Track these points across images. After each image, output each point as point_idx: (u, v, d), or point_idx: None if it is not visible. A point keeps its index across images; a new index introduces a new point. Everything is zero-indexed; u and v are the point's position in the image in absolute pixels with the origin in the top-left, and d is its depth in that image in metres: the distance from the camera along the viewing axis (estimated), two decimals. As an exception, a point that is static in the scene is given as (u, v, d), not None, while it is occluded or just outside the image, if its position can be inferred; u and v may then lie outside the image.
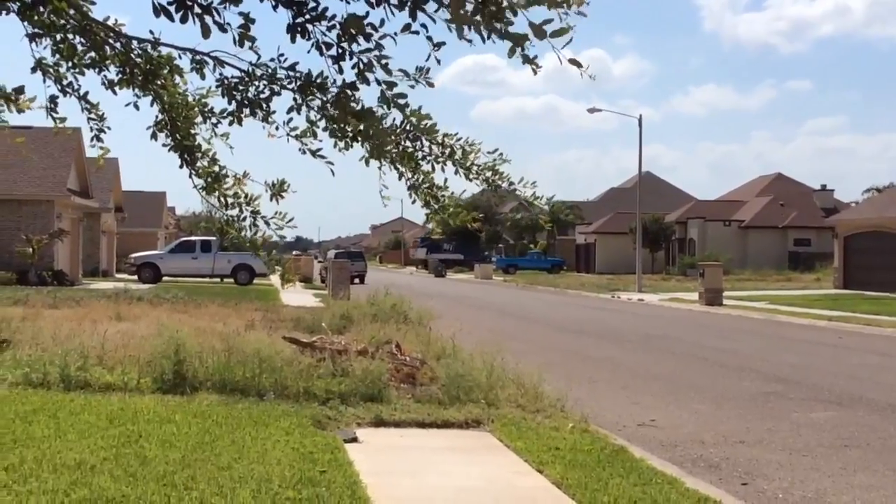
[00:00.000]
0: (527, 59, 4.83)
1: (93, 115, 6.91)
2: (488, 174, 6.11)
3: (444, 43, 5.02)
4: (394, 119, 5.67)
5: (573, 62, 4.69)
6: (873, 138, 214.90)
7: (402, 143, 5.82)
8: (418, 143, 5.88)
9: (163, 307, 24.32)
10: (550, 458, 9.07)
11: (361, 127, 5.63)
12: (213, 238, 54.73)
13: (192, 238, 57.44)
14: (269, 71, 5.83)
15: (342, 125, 5.65)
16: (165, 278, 49.07)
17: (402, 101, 5.32)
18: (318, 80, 5.54)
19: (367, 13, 4.99)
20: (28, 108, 6.78)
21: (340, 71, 5.26)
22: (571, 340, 24.05)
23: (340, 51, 5.15)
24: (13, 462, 7.83)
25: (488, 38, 4.70)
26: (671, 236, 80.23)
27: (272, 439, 9.17)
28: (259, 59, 5.77)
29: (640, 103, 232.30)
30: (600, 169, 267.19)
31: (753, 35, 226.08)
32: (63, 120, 6.90)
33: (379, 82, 5.29)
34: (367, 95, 5.55)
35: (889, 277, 45.86)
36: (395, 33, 5.05)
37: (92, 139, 7.05)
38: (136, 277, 48.84)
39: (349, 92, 5.37)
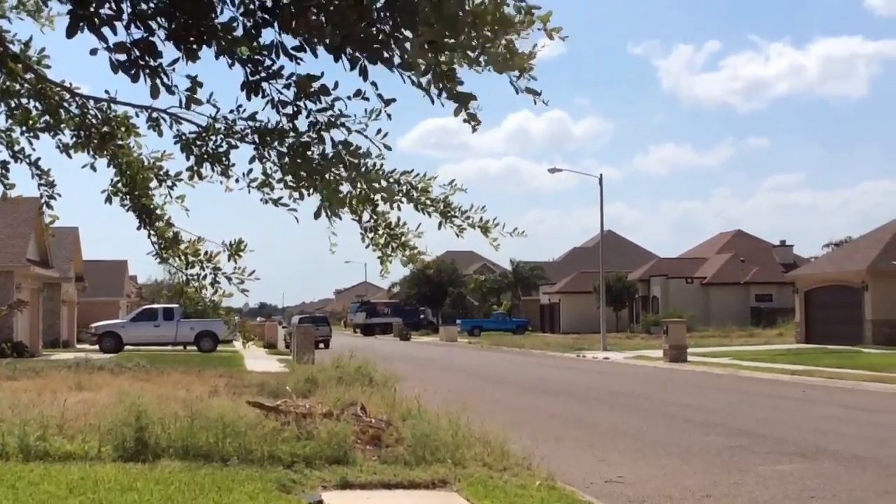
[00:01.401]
0: (470, 117, 4.89)
1: (43, 182, 6.89)
2: (441, 206, 6.12)
3: (394, 99, 5.08)
4: (348, 162, 5.69)
5: (530, 91, 4.77)
6: (832, 193, 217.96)
7: (359, 186, 5.84)
8: (375, 184, 5.90)
9: (125, 376, 24.04)
10: (518, 515, 9.01)
11: (317, 177, 5.65)
12: (176, 305, 54.33)
13: (154, 306, 56.99)
14: (228, 123, 5.85)
15: (298, 174, 5.67)
16: (127, 347, 48.57)
17: (358, 155, 5.36)
18: (278, 129, 5.56)
19: (322, 73, 5.03)
20: None
21: (294, 129, 5.30)
22: (538, 400, 23.99)
23: (296, 108, 5.18)
24: (-30, 534, 7.68)
25: (439, 96, 4.76)
26: (634, 294, 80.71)
27: (236, 504, 9.05)
28: (218, 111, 5.79)
29: (602, 163, 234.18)
30: (563, 229, 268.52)
31: (711, 95, 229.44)
32: (12, 186, 6.86)
33: (334, 143, 5.34)
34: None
35: (850, 331, 46.33)
36: (349, 97, 5.11)
37: (41, 206, 7.01)
38: (97, 347, 48.28)
39: (308, 140, 5.40)
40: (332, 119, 5.24)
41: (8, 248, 42.25)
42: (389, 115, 5.12)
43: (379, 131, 5.45)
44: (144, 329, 50.32)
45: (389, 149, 5.51)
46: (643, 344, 54.62)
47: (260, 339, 60.01)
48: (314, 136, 5.30)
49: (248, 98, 5.01)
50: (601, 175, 54.71)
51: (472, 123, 4.92)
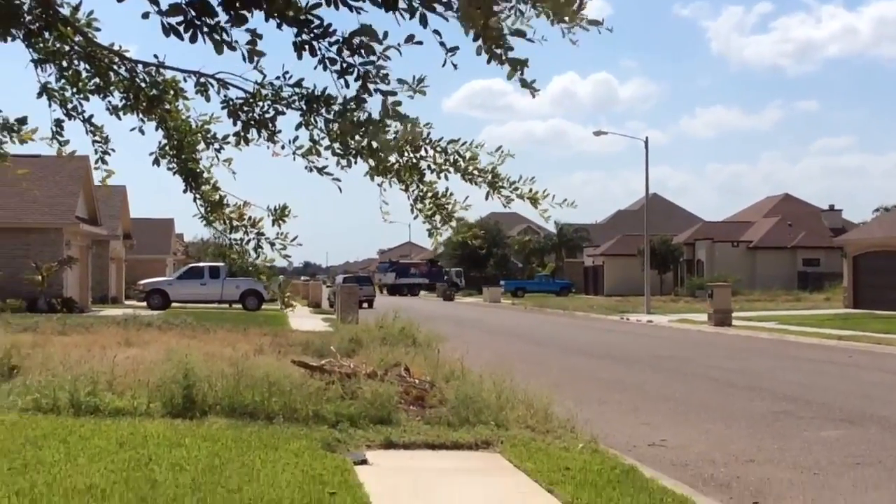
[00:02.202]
0: (525, 84, 4.86)
1: (97, 138, 6.94)
2: (489, 177, 6.10)
3: (457, 48, 5.04)
4: (396, 131, 5.69)
5: (593, 22, 4.69)
6: (883, 157, 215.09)
7: (406, 153, 5.84)
8: (421, 152, 5.89)
9: (172, 333, 24.32)
10: (560, 478, 9.05)
11: (365, 142, 5.65)
12: (222, 264, 54.75)
13: (201, 264, 57.56)
14: (275, 90, 5.86)
15: (345, 141, 5.68)
16: (174, 304, 49.12)
17: (399, 109, 5.35)
18: (324, 96, 5.57)
19: (371, 26, 5.00)
20: (30, 139, 6.80)
21: (347, 85, 5.28)
22: (581, 362, 24.01)
23: (345, 65, 5.17)
24: (23, 487, 7.84)
25: (489, 61, 4.74)
26: (679, 258, 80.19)
27: (282, 462, 9.17)
28: (265, 77, 5.81)
29: (648, 126, 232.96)
30: (607, 191, 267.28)
31: (761, 57, 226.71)
32: (66, 142, 6.93)
33: (381, 92, 5.32)
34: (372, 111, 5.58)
35: (899, 296, 45.73)
36: (399, 44, 5.07)
37: (96, 161, 7.07)
38: (145, 304, 48.87)
39: (354, 106, 5.40)
40: (379, 72, 5.20)
41: (58, 206, 42.77)
42: (455, 65, 5.06)
43: (416, 79, 5.42)
44: (191, 287, 50.83)
45: (424, 93, 5.43)
46: (687, 307, 54.37)
47: (304, 299, 60.43)
48: (361, 93, 5.26)
49: (299, 57, 5.01)
50: (647, 138, 54.42)
51: (531, 90, 4.89)
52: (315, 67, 5.16)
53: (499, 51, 4.65)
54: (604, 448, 10.77)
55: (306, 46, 4.99)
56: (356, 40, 5.05)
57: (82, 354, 15.82)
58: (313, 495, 7.86)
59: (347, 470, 9.08)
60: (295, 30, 4.92)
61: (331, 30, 4.97)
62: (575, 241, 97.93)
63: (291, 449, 9.82)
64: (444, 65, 5.03)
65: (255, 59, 5.32)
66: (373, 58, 5.08)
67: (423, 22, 4.65)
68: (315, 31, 4.94)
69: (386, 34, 5.02)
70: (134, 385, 12.96)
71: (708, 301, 40.66)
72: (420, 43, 4.88)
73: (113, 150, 6.99)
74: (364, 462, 9.69)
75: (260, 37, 5.13)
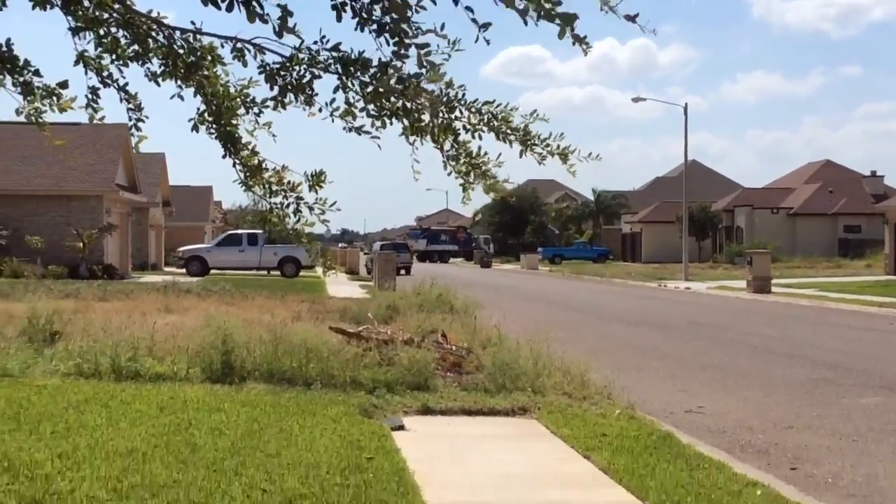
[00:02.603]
0: (577, 39, 4.82)
1: (131, 106, 6.99)
2: (521, 135, 6.11)
3: (489, 24, 5.01)
4: (431, 91, 5.70)
5: (629, 18, 4.69)
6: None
7: (441, 114, 5.85)
8: (455, 112, 5.90)
9: (210, 299, 24.53)
10: (597, 444, 9.06)
11: (400, 103, 5.66)
12: (260, 231, 55.13)
13: (239, 231, 58.01)
14: (312, 54, 5.88)
15: (380, 103, 5.69)
16: (213, 271, 49.50)
17: (431, 59, 5.34)
18: (360, 59, 5.59)
19: None
20: (70, 107, 6.84)
21: (388, 42, 5.27)
22: (618, 329, 23.97)
23: (381, 23, 5.17)
24: (66, 449, 7.96)
25: (538, 20, 4.70)
26: (718, 224, 79.66)
27: (319, 427, 9.24)
28: (302, 42, 5.82)
29: (687, 91, 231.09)
30: (646, 158, 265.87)
31: (803, 21, 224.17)
32: (101, 109, 6.97)
33: (417, 46, 5.32)
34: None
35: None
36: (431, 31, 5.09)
37: (130, 128, 7.12)
38: (184, 270, 49.26)
39: (393, 64, 5.40)
40: (412, 27, 5.19)
41: (97, 174, 43.14)
42: (487, 41, 5.05)
43: (451, 41, 5.41)
44: (229, 254, 51.18)
45: (459, 50, 5.44)
46: (726, 274, 54.07)
47: (342, 265, 60.69)
48: (399, 50, 5.25)
49: (339, 18, 5.02)
50: (686, 104, 53.97)
51: (583, 47, 4.86)
52: (355, 29, 5.15)
53: (548, 4, 4.61)
54: (641, 415, 10.77)
55: (346, 7, 4.99)
56: None
57: (123, 320, 16.00)
58: (351, 460, 7.93)
59: (385, 435, 9.14)
60: None
61: None
62: (613, 208, 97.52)
63: (329, 415, 9.90)
64: (476, 41, 5.05)
65: (283, 33, 5.35)
66: (408, 13, 5.07)
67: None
68: None
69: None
70: (174, 351, 13.10)
71: (747, 268, 40.41)
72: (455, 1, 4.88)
73: (147, 118, 7.03)
74: (401, 428, 9.75)
75: (290, 13, 5.15)
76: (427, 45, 5.28)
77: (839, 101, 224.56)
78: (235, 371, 12.02)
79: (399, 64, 5.46)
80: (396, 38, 5.24)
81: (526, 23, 4.67)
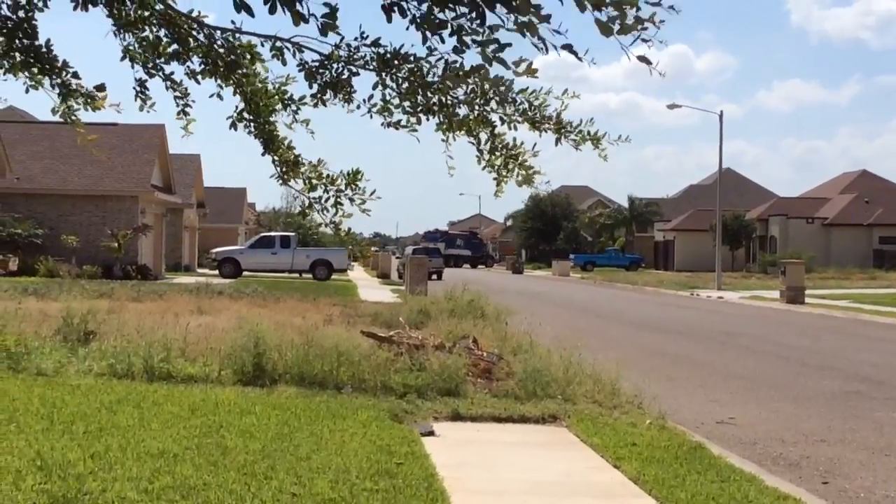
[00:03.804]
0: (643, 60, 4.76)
1: (178, 93, 7.06)
2: (553, 123, 6.13)
3: (509, 44, 5.00)
4: (469, 87, 5.72)
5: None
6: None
7: (477, 107, 5.87)
8: (491, 104, 5.92)
9: (243, 301, 24.65)
10: (627, 453, 9.03)
11: (435, 99, 5.67)
12: (293, 234, 55.59)
13: (272, 234, 58.30)
14: (350, 51, 5.92)
15: (415, 99, 5.71)
16: (245, 273, 49.75)
17: (501, 55, 5.28)
18: (400, 54, 5.61)
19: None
20: (102, 106, 6.93)
21: (442, 41, 5.21)
22: (649, 338, 23.86)
23: (437, 21, 5.14)
24: (98, 450, 8.02)
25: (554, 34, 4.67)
26: (752, 234, 79.15)
27: (350, 431, 9.25)
28: (342, 39, 5.85)
29: (723, 99, 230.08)
30: (680, 166, 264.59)
31: (841, 30, 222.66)
32: (150, 99, 7.04)
33: (477, 43, 5.26)
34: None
35: (978, 276, 44.65)
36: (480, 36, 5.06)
37: (178, 114, 7.18)
38: (217, 272, 49.55)
39: (423, 65, 5.40)
40: (473, 23, 5.15)
41: (133, 174, 43.49)
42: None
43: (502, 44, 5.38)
44: (262, 256, 51.43)
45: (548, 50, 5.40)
46: (759, 284, 53.69)
47: (373, 269, 60.76)
48: (459, 46, 5.21)
49: (389, 20, 5.01)
50: (721, 112, 53.66)
51: (650, 66, 4.82)
52: (407, 28, 5.12)
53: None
54: (671, 424, 10.71)
55: (395, 8, 4.98)
56: None
57: (156, 321, 16.11)
58: (381, 465, 7.94)
59: (414, 441, 9.15)
60: None
61: None
62: (645, 216, 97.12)
63: (359, 419, 9.91)
64: (491, 64, 5.05)
65: (328, 32, 5.36)
66: (463, 9, 5.02)
67: (482, 19, 4.63)
68: None
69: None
70: (206, 352, 13.17)
71: (780, 278, 40.12)
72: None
73: (194, 102, 7.12)
74: (431, 433, 9.75)
75: (336, 10, 5.16)
76: (496, 40, 5.22)
77: (876, 111, 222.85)
78: (267, 374, 12.07)
79: (462, 54, 5.38)
80: (455, 36, 5.20)
81: (539, 49, 4.63)
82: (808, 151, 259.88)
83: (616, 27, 4.40)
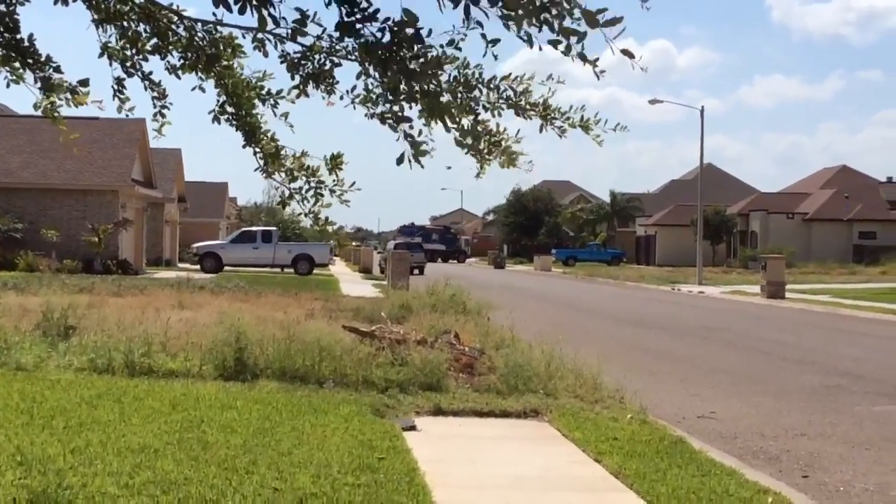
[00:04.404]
0: (584, 59, 4.79)
1: (156, 94, 7.04)
2: (540, 109, 6.09)
3: (498, 40, 5.01)
4: (450, 74, 5.71)
5: (625, 52, 4.66)
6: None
7: (459, 95, 5.84)
8: (474, 92, 5.90)
9: (224, 296, 24.59)
10: (608, 448, 9.05)
11: (417, 87, 5.67)
12: (274, 229, 55.36)
13: (254, 228, 58.14)
14: (332, 42, 5.90)
15: (396, 88, 5.69)
16: (227, 268, 49.59)
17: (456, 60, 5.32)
18: (381, 44, 5.60)
19: (417, 19, 4.98)
20: (84, 102, 6.89)
21: (384, 73, 5.28)
22: (631, 333, 23.91)
23: (388, 53, 5.18)
24: (79, 445, 7.98)
25: (539, 30, 4.67)
26: (733, 229, 79.46)
27: (331, 426, 9.24)
28: (324, 30, 5.83)
29: (706, 94, 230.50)
30: (661, 161, 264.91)
31: (822, 25, 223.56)
32: (127, 100, 7.02)
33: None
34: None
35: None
36: (442, 45, 5.10)
37: (155, 115, 7.16)
38: (198, 267, 49.41)
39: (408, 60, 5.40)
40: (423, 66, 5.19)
41: (114, 168, 43.28)
42: (495, 56, 5.07)
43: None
44: (243, 251, 51.26)
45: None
46: (740, 279, 53.90)
47: (355, 264, 60.71)
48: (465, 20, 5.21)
49: (342, 39, 5.04)
50: (703, 107, 53.82)
51: (594, 69, 4.84)
52: (354, 50, 5.17)
53: (551, 17, 4.59)
54: (652, 419, 10.74)
55: (348, 28, 5.02)
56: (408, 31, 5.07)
57: (137, 316, 16.06)
58: (362, 460, 7.93)
59: (396, 436, 9.14)
60: (342, 9, 4.94)
61: (378, 15, 5.00)
62: (627, 211, 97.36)
63: (341, 414, 9.90)
64: (484, 55, 5.06)
65: (297, 37, 5.37)
66: (419, 51, 5.08)
67: (467, 12, 4.63)
68: (362, 13, 4.95)
69: (430, 32, 5.06)
70: (187, 347, 13.13)
71: (761, 273, 40.29)
72: (459, 48, 4.88)
73: (171, 104, 7.10)
74: (413, 428, 9.75)
75: (308, 17, 5.16)
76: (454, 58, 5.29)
77: (857, 107, 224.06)
78: (248, 368, 12.04)
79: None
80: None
81: (531, 44, 4.64)
82: (790, 147, 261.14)
83: (602, 18, 4.42)
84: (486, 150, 6.28)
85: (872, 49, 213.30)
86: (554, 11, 4.55)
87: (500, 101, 6.02)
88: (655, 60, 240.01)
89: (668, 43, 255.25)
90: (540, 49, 4.69)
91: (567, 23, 4.63)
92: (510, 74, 6.02)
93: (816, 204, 78.33)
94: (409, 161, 5.64)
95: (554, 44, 4.67)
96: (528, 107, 6.06)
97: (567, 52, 4.70)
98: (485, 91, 5.93)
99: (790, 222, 76.94)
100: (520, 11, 4.51)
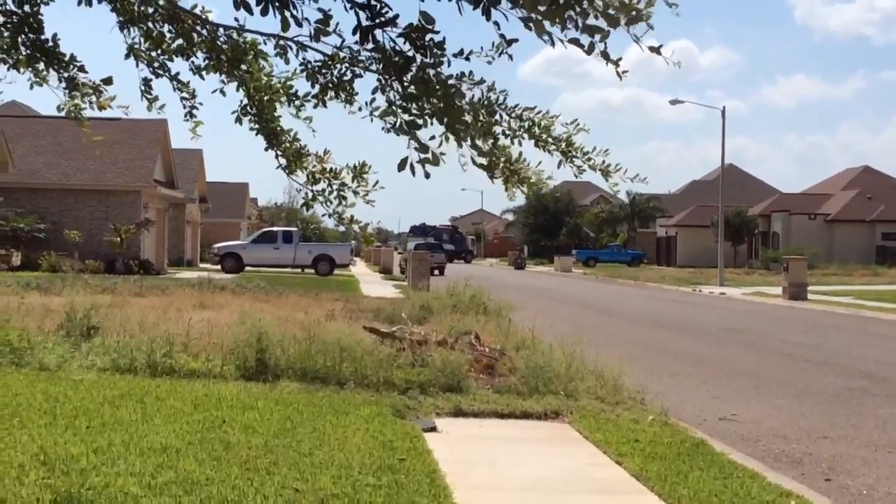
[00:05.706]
0: (606, 57, 4.78)
1: (185, 94, 7.07)
2: (563, 146, 6.07)
3: (516, 40, 5.01)
4: (472, 95, 5.69)
5: (653, 49, 4.64)
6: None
7: (481, 117, 5.84)
8: (496, 116, 5.89)
9: (245, 296, 24.67)
10: (629, 450, 9.03)
11: (440, 105, 5.66)
12: (295, 229, 55.52)
13: (275, 229, 58.31)
14: (353, 53, 5.90)
15: (421, 105, 5.69)
16: (248, 268, 49.74)
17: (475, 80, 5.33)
18: (401, 59, 5.60)
19: (434, 23, 4.98)
20: (108, 106, 6.94)
21: (400, 81, 5.28)
22: (652, 334, 23.84)
23: (406, 59, 5.18)
24: (102, 445, 8.02)
25: (562, 30, 4.65)
26: (754, 230, 79.11)
27: (352, 427, 9.26)
28: (343, 41, 5.84)
29: (727, 94, 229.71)
30: (682, 161, 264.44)
31: (845, 26, 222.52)
32: (155, 99, 7.05)
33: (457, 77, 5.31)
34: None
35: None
36: (454, 55, 5.10)
37: (185, 116, 7.20)
38: (219, 267, 49.57)
39: (429, 72, 5.39)
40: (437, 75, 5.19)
41: (136, 169, 43.50)
42: (511, 56, 5.07)
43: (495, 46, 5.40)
44: (264, 251, 51.40)
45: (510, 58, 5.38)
46: (761, 280, 53.64)
47: (375, 264, 60.77)
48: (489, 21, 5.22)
49: (362, 43, 5.04)
50: (724, 107, 53.58)
51: (616, 68, 4.83)
52: (378, 56, 5.19)
53: (576, 16, 4.58)
54: (674, 421, 10.71)
55: (366, 33, 5.01)
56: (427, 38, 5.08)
57: (159, 316, 16.13)
58: (383, 461, 7.94)
59: (417, 437, 9.15)
60: (364, 14, 4.94)
61: (397, 21, 5.00)
62: (648, 212, 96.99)
63: (362, 414, 9.92)
64: (499, 54, 5.05)
65: (320, 38, 5.37)
66: (437, 58, 5.09)
67: (487, 13, 4.62)
68: (380, 17, 4.97)
69: (444, 41, 5.05)
70: (208, 347, 13.18)
71: (783, 274, 40.09)
72: (467, 59, 4.88)
73: (201, 104, 7.13)
74: (433, 429, 9.75)
75: (330, 17, 5.18)
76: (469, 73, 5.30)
77: (879, 107, 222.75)
78: (269, 369, 12.07)
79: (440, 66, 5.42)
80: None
81: (553, 43, 4.63)
82: (811, 147, 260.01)
83: (623, 18, 4.41)
84: (503, 178, 6.26)
85: (895, 49, 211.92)
86: (578, 9, 4.51)
87: (522, 130, 6.01)
88: (676, 59, 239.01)
89: (690, 43, 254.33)
90: (564, 47, 4.67)
91: (590, 20, 4.62)
92: (535, 107, 6.01)
93: (839, 205, 77.88)
94: (413, 168, 5.56)
95: (576, 42, 4.65)
96: (549, 141, 6.05)
97: (590, 50, 4.67)
98: (506, 117, 5.91)
99: (812, 223, 76.55)
100: (541, 8, 4.49)
